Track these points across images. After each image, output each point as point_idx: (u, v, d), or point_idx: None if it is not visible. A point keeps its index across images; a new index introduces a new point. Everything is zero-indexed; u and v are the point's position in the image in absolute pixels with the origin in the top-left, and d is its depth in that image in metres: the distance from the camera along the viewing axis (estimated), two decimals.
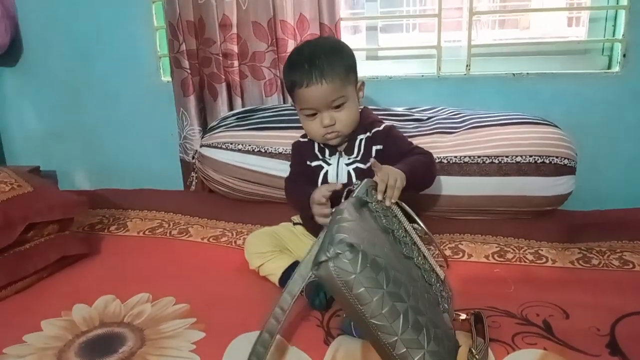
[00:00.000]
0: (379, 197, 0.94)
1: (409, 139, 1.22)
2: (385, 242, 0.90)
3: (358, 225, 0.83)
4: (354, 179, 1.14)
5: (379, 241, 0.86)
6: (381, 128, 1.17)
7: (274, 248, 1.18)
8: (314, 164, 1.20)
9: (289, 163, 1.35)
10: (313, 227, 1.16)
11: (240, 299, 1.11)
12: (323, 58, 1.08)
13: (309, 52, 1.10)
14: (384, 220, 0.95)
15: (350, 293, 0.75)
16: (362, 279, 0.75)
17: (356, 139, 1.16)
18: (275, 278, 1.16)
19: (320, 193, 1.07)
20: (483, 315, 0.95)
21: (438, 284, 0.97)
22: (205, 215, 1.57)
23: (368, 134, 1.16)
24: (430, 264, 0.98)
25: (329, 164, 1.17)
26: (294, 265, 1.15)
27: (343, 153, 1.17)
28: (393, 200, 0.95)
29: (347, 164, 1.15)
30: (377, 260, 0.77)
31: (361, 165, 1.15)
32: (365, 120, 1.18)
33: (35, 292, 1.19)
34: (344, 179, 1.15)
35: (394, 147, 1.15)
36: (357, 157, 1.15)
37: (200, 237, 1.44)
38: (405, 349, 0.77)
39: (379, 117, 1.27)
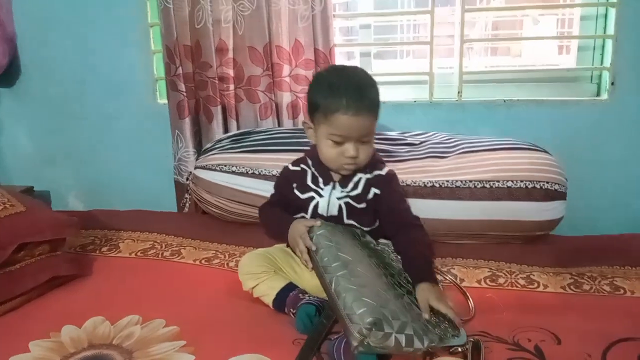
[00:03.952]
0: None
1: (403, 195, 1.18)
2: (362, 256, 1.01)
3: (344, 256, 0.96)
4: (344, 214, 1.12)
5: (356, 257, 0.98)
6: (383, 173, 1.13)
7: (268, 269, 1.18)
8: (304, 195, 1.16)
9: (273, 188, 1.27)
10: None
11: (230, 322, 1.10)
12: (370, 89, 1.06)
13: (355, 79, 1.07)
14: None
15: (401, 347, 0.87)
16: (398, 336, 0.87)
17: (355, 174, 1.12)
18: (269, 299, 1.15)
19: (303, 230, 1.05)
20: (481, 344, 0.94)
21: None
22: (197, 237, 1.57)
23: (369, 175, 1.13)
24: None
25: (321, 196, 1.14)
26: (289, 286, 1.14)
27: (337, 184, 1.13)
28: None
29: (339, 198, 1.13)
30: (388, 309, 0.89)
31: (353, 202, 1.12)
32: (371, 159, 1.13)
33: (24, 312, 1.18)
34: (334, 212, 1.13)
35: (389, 200, 1.12)
36: (350, 191, 1.12)
37: (193, 259, 1.43)
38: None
39: (381, 157, 1.22)
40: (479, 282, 1.27)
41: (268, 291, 1.15)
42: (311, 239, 1.02)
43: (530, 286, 1.25)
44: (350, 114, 1.02)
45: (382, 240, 1.14)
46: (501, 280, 1.28)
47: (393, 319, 0.86)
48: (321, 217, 1.13)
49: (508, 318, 1.09)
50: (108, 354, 1.00)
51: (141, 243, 1.54)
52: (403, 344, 0.85)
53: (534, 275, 1.30)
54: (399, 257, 1.09)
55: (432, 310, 0.95)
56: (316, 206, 1.14)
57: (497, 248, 1.44)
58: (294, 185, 1.18)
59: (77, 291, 1.27)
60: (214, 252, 1.48)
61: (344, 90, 1.03)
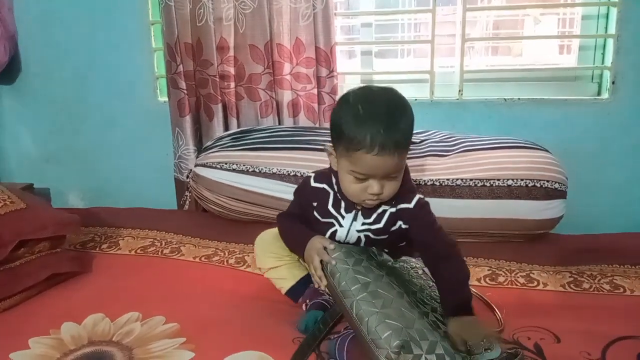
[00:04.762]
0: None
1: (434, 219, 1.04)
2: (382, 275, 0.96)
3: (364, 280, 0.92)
4: (361, 244, 1.05)
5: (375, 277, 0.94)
6: (411, 205, 1.01)
7: (292, 253, 1.15)
8: (323, 219, 1.06)
9: (293, 196, 1.16)
10: None
11: (230, 319, 1.10)
12: (400, 123, 0.92)
13: (383, 111, 0.92)
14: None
15: None
16: (429, 357, 0.83)
17: (379, 206, 1.02)
18: (285, 283, 1.14)
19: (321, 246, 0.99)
20: (520, 355, 0.90)
21: None
22: (197, 234, 1.57)
23: (393, 209, 1.02)
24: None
25: (341, 225, 1.05)
26: (307, 277, 1.13)
27: (359, 214, 1.03)
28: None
29: (359, 230, 1.04)
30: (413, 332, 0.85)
31: (373, 236, 1.04)
32: (399, 188, 1.01)
33: (24, 309, 1.18)
34: (351, 241, 1.06)
35: (420, 233, 1.03)
36: (372, 224, 1.03)
37: (192, 256, 1.44)
38: None
39: (413, 184, 1.11)
40: (478, 280, 1.27)
41: (288, 276, 1.14)
42: (325, 265, 0.97)
43: (530, 284, 1.25)
44: (374, 153, 0.90)
45: (401, 258, 1.10)
46: (501, 279, 1.28)
47: (421, 340, 0.83)
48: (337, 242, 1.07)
49: (508, 317, 1.09)
50: (108, 350, 1.00)
51: (141, 240, 1.54)
52: None
53: (533, 273, 1.30)
54: (421, 274, 1.05)
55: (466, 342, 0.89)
56: (334, 233, 1.05)
57: (497, 246, 1.45)
58: (315, 204, 1.08)
59: (77, 288, 1.27)
60: (214, 249, 1.48)
61: (370, 125, 0.90)
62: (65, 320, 1.10)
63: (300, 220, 1.11)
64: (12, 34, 2.01)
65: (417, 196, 1.03)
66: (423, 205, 1.03)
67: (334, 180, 1.05)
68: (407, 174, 1.04)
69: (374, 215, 1.03)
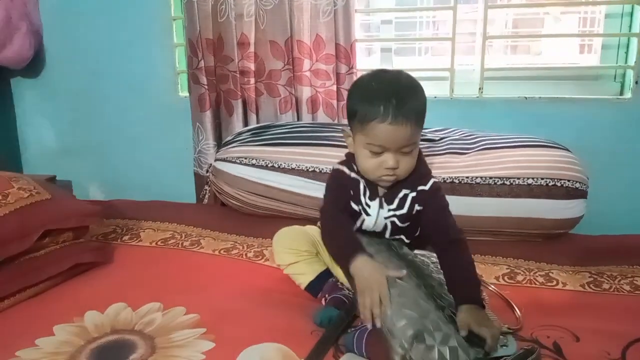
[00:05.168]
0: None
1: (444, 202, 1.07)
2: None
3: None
4: (387, 232, 1.08)
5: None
6: (427, 187, 1.05)
7: (311, 249, 1.17)
8: (356, 207, 1.09)
9: (326, 188, 1.13)
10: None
11: (249, 311, 1.12)
12: (412, 96, 0.98)
13: (394, 85, 0.99)
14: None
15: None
16: (442, 349, 0.83)
17: (400, 190, 1.05)
18: (305, 279, 1.16)
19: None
20: (536, 353, 0.89)
21: None
22: (217, 228, 1.59)
23: (414, 193, 1.05)
24: None
25: (368, 214, 1.07)
26: (328, 271, 1.15)
27: (383, 201, 1.06)
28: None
29: (386, 217, 1.07)
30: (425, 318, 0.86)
31: (398, 222, 1.07)
32: (416, 171, 1.05)
33: (48, 297, 1.21)
34: (378, 230, 1.09)
35: (431, 215, 1.05)
36: (396, 210, 1.06)
37: (212, 249, 1.45)
38: None
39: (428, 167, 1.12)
40: (497, 278, 1.27)
41: (307, 271, 1.15)
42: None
43: (549, 284, 1.25)
44: (387, 122, 0.95)
45: (420, 252, 1.10)
46: (520, 278, 1.28)
47: (435, 331, 0.84)
48: (364, 232, 1.10)
49: (526, 315, 1.09)
50: (130, 339, 1.02)
51: (161, 233, 1.56)
52: (447, 357, 0.82)
53: (552, 273, 1.29)
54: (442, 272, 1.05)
55: (473, 333, 0.89)
56: (362, 223, 1.08)
57: (515, 245, 1.44)
58: (352, 192, 1.09)
59: (100, 278, 1.29)
60: (233, 243, 1.49)
61: (382, 97, 0.95)
62: (89, 309, 1.13)
63: (347, 220, 1.08)
64: (37, 29, 2.05)
65: (433, 179, 1.06)
66: (438, 188, 1.07)
67: (355, 168, 1.08)
68: (422, 157, 1.07)
69: (397, 201, 1.05)
